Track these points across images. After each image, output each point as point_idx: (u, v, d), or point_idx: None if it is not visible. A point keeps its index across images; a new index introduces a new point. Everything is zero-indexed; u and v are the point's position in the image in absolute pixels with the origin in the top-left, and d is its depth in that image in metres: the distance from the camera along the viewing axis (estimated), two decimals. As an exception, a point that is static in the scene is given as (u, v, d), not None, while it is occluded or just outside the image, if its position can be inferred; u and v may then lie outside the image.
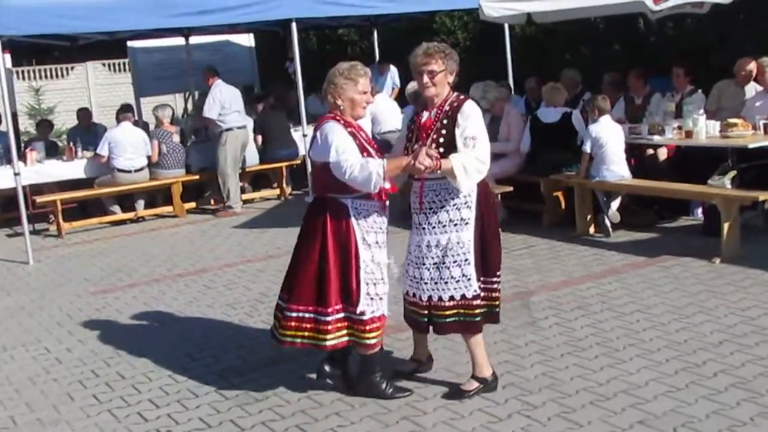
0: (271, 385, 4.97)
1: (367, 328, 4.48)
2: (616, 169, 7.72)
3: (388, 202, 4.59)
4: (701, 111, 8.17)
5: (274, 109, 11.98)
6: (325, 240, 4.39)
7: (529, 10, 7.65)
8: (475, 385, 4.58)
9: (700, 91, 8.83)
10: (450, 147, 4.38)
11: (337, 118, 4.44)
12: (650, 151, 8.73)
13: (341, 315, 4.47)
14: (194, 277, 7.86)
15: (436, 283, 4.49)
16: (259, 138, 11.46)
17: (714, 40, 11.14)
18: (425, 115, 4.53)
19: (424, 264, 4.51)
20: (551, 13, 9.25)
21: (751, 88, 8.88)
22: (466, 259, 4.45)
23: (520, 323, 5.68)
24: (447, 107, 4.47)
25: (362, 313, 4.45)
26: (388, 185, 4.40)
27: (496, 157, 8.63)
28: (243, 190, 11.62)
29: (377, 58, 14.97)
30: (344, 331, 4.49)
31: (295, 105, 11.19)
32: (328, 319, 4.44)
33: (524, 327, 5.61)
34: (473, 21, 15.19)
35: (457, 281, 4.45)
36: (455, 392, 4.61)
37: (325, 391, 4.78)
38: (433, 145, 4.38)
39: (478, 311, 4.51)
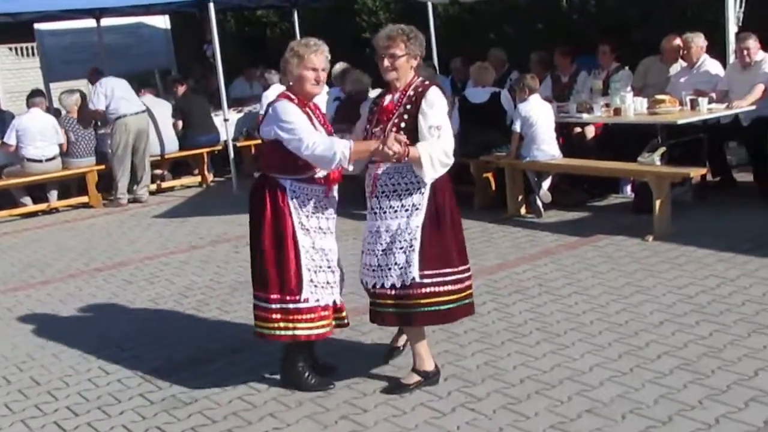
0: (200, 387, 4.69)
1: (308, 317, 4.29)
2: (547, 148, 7.62)
3: (335, 188, 4.40)
4: (628, 88, 8.13)
5: (194, 93, 11.53)
6: (263, 221, 4.25)
7: None
8: (415, 378, 4.38)
9: (627, 68, 8.81)
10: (412, 132, 4.20)
11: (290, 96, 4.25)
12: (578, 130, 8.68)
13: (277, 305, 4.28)
14: (113, 271, 7.48)
15: (381, 269, 4.29)
16: (179, 123, 11.04)
17: (636, 17, 11.16)
18: (387, 98, 4.36)
19: (373, 251, 4.32)
20: None
21: (676, 65, 8.90)
22: (411, 246, 4.23)
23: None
24: (411, 92, 4.27)
25: (306, 300, 4.27)
26: (351, 168, 4.20)
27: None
28: (162, 178, 11.24)
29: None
30: (283, 324, 4.30)
31: (216, 89, 10.79)
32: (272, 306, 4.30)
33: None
34: (394, 1, 15.00)
35: (400, 267, 4.24)
36: (395, 386, 4.40)
37: (258, 391, 4.54)
38: (394, 129, 4.20)
39: (417, 302, 4.26)
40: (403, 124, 4.24)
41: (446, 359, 4.74)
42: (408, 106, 4.26)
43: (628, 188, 8.35)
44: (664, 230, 6.73)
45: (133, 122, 10.36)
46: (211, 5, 9.78)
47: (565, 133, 8.47)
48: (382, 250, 4.28)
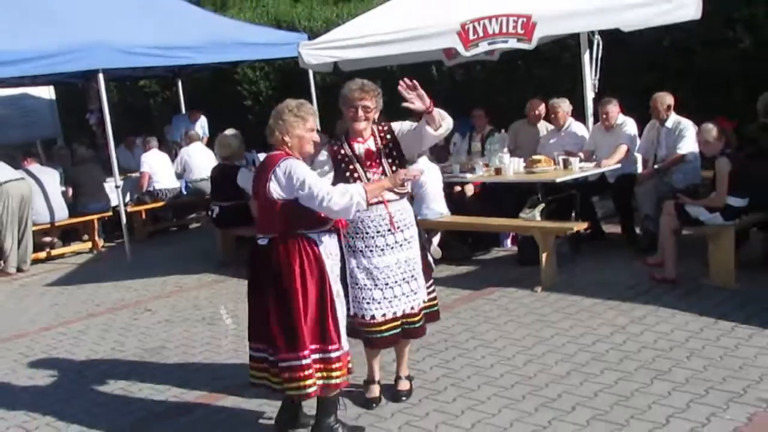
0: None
1: (341, 364, 4.05)
2: (436, 207, 7.44)
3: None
4: (505, 149, 8.09)
5: (85, 161, 10.73)
6: (294, 279, 3.94)
7: (349, 57, 7.24)
8: (408, 385, 4.71)
9: (503, 130, 8.79)
10: (401, 161, 4.49)
11: (291, 154, 4.04)
12: (458, 189, 8.56)
13: (318, 356, 4.00)
14: (8, 344, 6.69)
15: (407, 296, 4.45)
16: (70, 190, 10.27)
17: (501, 84, 11.27)
18: (359, 147, 4.42)
19: (396, 282, 4.41)
20: (358, 62, 8.90)
21: (543, 127, 8.97)
22: (420, 268, 4.55)
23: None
24: (381, 133, 4.48)
25: (343, 348, 4.07)
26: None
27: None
28: (52, 246, 10.36)
29: (183, 108, 14.08)
30: (319, 374, 4.00)
31: (107, 157, 10.11)
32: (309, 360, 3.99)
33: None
34: (273, 71, 14.73)
35: (420, 289, 4.54)
36: (396, 395, 4.62)
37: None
38: (393, 168, 4.40)
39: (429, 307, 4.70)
40: (398, 161, 4.46)
41: (367, 421, 4.38)
42: (391, 145, 4.46)
43: (509, 241, 8.27)
44: (551, 281, 6.62)
45: (15, 188, 9.42)
46: (101, 75, 9.17)
47: (446, 192, 8.32)
48: (403, 279, 4.43)
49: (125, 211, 9.78)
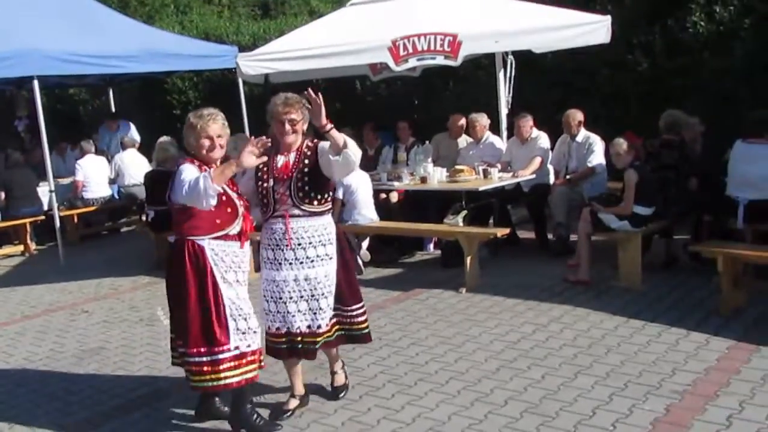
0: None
1: (244, 361, 3.97)
2: (366, 212, 7.38)
3: (247, 243, 4.12)
4: (429, 160, 8.10)
5: (17, 167, 10.19)
6: (186, 281, 3.90)
7: (285, 69, 7.10)
8: (344, 377, 4.62)
9: (428, 142, 8.81)
10: (315, 180, 4.13)
11: (192, 161, 3.97)
12: (383, 196, 8.51)
13: (205, 359, 3.92)
14: (-58, 346, 6.27)
15: (305, 314, 4.19)
16: (2, 194, 9.75)
17: (420, 100, 11.32)
18: (281, 159, 4.17)
19: (291, 298, 4.17)
20: (286, 74, 8.74)
21: (462, 140, 9.02)
22: (330, 291, 4.25)
23: (308, 367, 5.01)
24: (305, 149, 4.18)
25: (236, 348, 3.95)
26: (218, 189, 3.77)
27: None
28: (-16, 249, 9.84)
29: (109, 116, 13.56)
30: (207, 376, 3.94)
31: (39, 161, 9.65)
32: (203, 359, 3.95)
33: (314, 371, 4.94)
34: (202, 82, 14.39)
35: (324, 312, 4.22)
36: (335, 392, 4.54)
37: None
38: (299, 184, 4.10)
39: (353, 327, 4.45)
40: (306, 178, 4.11)
41: (311, 418, 4.27)
42: (306, 161, 4.14)
43: (431, 246, 8.29)
44: (474, 283, 6.64)
45: None
46: (35, 82, 8.74)
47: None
48: (301, 297, 4.17)
49: (58, 215, 9.31)
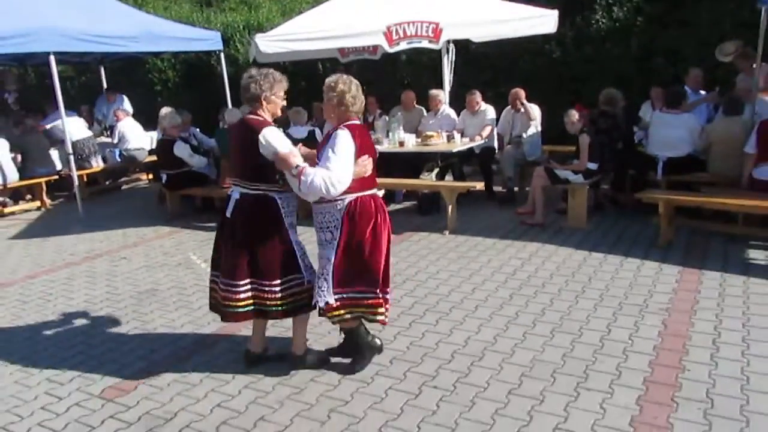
0: (169, 400, 3.35)
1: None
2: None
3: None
4: (401, 127, 7.67)
5: (31, 132, 8.99)
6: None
7: (299, 48, 6.41)
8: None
9: (399, 113, 8.32)
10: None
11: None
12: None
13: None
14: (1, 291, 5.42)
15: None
16: (18, 157, 8.58)
17: (375, 80, 10.76)
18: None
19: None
20: (263, 56, 7.96)
21: (416, 112, 8.60)
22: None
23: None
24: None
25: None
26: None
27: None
28: (5, 204, 8.66)
29: (105, 89, 12.26)
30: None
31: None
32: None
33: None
34: (179, 62, 13.20)
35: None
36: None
37: (231, 396, 3.32)
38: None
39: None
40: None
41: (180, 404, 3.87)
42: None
43: (401, 197, 7.92)
44: (453, 226, 6.36)
45: None
46: (52, 57, 7.62)
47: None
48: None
49: (76, 174, 8.27)
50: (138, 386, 3.53)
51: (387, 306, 3.39)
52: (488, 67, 9.52)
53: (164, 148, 7.61)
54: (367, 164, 3.26)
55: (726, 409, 2.98)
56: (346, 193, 3.20)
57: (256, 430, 3.03)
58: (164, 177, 7.62)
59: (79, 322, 4.60)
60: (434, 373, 3.47)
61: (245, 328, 4.21)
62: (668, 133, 6.13)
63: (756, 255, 5.14)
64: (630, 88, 8.08)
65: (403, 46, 6.39)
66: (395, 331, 4.06)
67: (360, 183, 3.24)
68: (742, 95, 6.16)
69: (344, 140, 3.17)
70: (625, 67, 8.47)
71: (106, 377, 3.66)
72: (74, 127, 8.98)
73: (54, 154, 9.07)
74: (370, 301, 3.35)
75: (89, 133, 9.50)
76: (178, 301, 4.89)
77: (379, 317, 3.38)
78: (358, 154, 3.21)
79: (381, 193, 3.63)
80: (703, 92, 7.05)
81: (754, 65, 6.05)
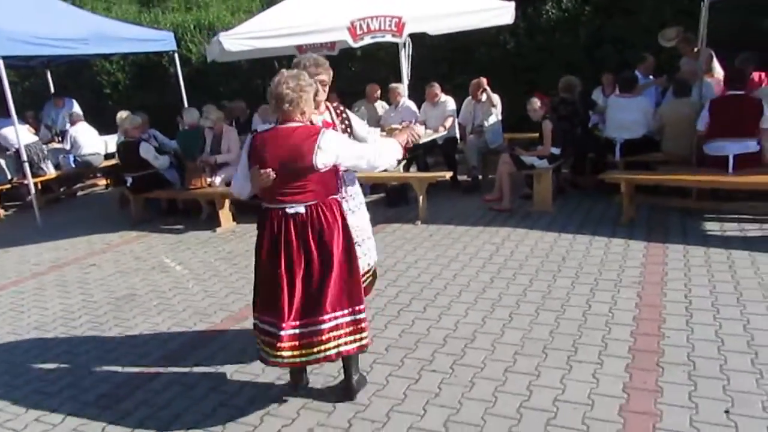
0: (165, 411, 3.31)
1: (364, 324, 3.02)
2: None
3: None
4: (365, 121, 7.67)
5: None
6: (332, 243, 2.91)
7: (264, 46, 6.33)
8: None
9: (363, 108, 8.33)
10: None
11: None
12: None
13: (348, 319, 2.96)
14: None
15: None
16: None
17: (335, 74, 10.71)
18: (316, 117, 3.21)
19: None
20: (226, 54, 7.83)
21: (379, 105, 8.66)
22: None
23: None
24: (339, 110, 3.42)
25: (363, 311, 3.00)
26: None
27: (220, 166, 7.30)
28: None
29: (52, 94, 11.79)
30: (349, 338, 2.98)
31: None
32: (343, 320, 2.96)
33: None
34: (128, 64, 12.83)
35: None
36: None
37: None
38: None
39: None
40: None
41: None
42: (346, 121, 3.42)
43: (369, 189, 7.94)
44: (424, 215, 6.44)
45: None
46: (1, 62, 7.29)
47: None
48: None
49: (32, 181, 7.96)
50: (134, 391, 3.46)
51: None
52: (443, 60, 9.65)
53: (129, 149, 7.42)
54: None
55: (707, 370, 3.16)
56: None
57: (263, 425, 3.03)
58: (129, 180, 7.43)
59: (59, 331, 4.45)
60: (430, 357, 3.54)
61: (237, 324, 4.19)
62: (624, 116, 6.37)
63: (712, 227, 5.42)
64: (580, 75, 8.36)
65: (368, 40, 6.41)
66: (385, 320, 4.11)
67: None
68: (687, 78, 6.46)
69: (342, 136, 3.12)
70: (575, 56, 8.74)
71: (99, 384, 3.58)
72: (20, 134, 8.62)
73: (1, 162, 8.70)
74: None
75: (35, 138, 9.15)
76: (159, 305, 4.80)
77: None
78: None
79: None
80: (651, 77, 7.36)
81: (696, 49, 6.35)
